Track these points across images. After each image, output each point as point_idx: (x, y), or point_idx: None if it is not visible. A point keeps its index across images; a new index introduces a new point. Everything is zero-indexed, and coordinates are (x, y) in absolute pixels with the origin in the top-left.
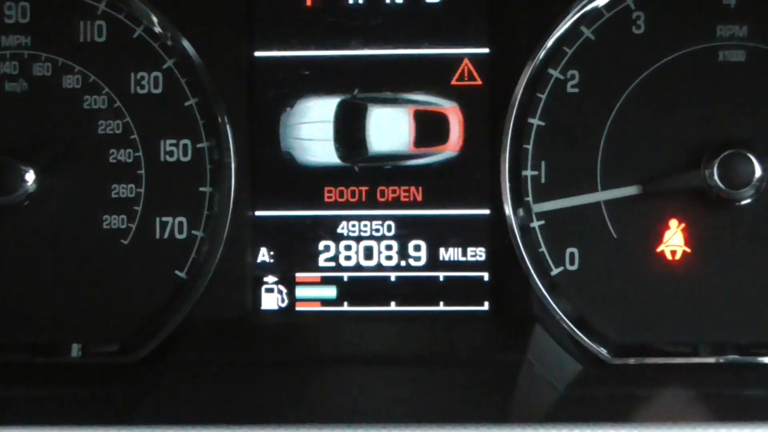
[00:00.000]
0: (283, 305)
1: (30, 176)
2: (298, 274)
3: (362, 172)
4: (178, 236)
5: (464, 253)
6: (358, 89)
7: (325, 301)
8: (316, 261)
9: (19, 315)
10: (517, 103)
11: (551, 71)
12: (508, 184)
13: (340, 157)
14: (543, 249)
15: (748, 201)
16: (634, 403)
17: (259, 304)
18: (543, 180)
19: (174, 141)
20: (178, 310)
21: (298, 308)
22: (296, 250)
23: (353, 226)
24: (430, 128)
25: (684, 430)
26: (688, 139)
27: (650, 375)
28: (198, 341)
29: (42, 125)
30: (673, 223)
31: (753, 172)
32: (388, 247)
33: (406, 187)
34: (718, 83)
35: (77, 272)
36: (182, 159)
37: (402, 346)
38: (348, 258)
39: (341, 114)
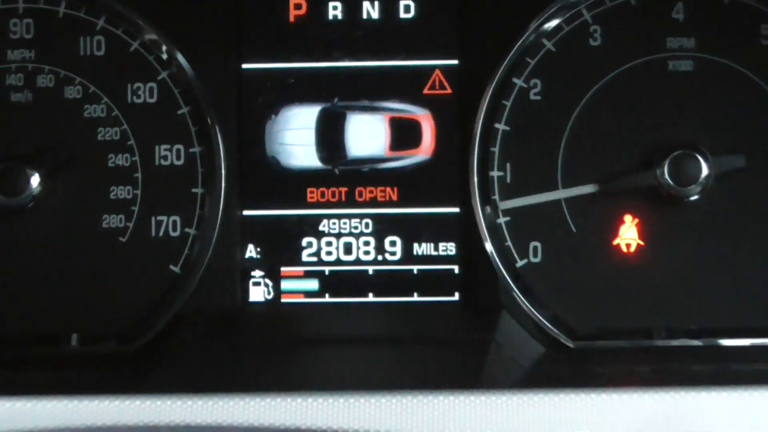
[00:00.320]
0: (270, 297)
1: (35, 180)
2: (283, 269)
3: (342, 174)
4: (172, 234)
5: (436, 248)
6: (338, 98)
7: (308, 293)
8: (300, 256)
9: (23, 307)
10: (484, 109)
11: (515, 80)
12: (476, 184)
13: (322, 160)
14: (509, 243)
15: (695, 198)
16: (592, 379)
17: (248, 296)
18: (508, 180)
19: (168, 146)
20: (172, 302)
21: (283, 300)
22: (281, 247)
23: (334, 223)
24: (404, 134)
25: (635, 394)
26: (641, 142)
27: (608, 357)
28: (192, 331)
29: (46, 133)
30: (628, 218)
31: (700, 170)
32: (366, 243)
33: (383, 188)
34: (669, 91)
35: (78, 268)
36: (176, 163)
37: (379, 331)
38: (329, 253)
39: (322, 121)
